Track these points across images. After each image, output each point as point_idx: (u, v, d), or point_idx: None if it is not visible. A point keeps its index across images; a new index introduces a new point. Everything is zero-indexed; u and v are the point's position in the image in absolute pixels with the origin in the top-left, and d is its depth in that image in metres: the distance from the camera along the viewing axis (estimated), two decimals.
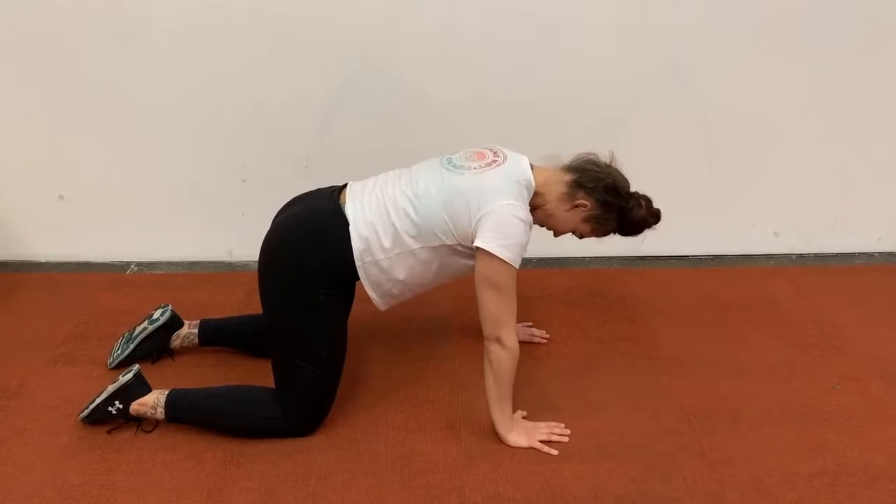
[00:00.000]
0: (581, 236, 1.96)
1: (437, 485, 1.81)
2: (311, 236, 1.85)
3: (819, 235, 2.88)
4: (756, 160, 2.73)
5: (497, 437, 1.92)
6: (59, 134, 2.61)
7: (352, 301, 1.97)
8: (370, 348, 2.29)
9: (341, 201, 1.88)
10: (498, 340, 1.80)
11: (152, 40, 2.46)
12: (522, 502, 1.76)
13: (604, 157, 1.92)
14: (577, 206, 1.87)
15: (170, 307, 2.24)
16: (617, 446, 1.92)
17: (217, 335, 2.25)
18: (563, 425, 1.97)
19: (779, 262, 2.85)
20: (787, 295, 2.61)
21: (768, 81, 2.59)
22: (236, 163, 2.68)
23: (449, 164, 1.86)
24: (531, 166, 1.87)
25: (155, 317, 2.21)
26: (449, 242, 1.82)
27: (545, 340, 2.34)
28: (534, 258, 2.77)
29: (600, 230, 1.92)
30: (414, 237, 1.82)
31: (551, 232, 1.97)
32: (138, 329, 2.21)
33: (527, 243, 1.80)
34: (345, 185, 1.94)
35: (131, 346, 2.19)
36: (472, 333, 2.27)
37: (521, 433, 1.92)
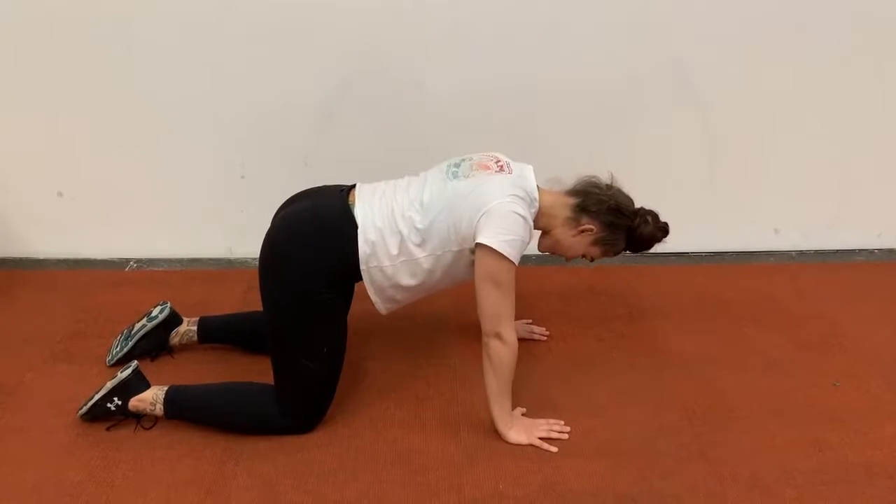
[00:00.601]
0: (592, 259, 1.98)
1: (436, 482, 1.80)
2: (319, 234, 1.85)
3: (819, 232, 2.88)
4: (756, 157, 2.72)
5: (497, 435, 1.92)
6: (58, 131, 2.61)
7: (351, 298, 1.97)
8: (369, 345, 2.29)
9: (350, 202, 1.88)
10: (498, 336, 1.80)
11: (152, 37, 2.45)
12: (522, 500, 1.76)
13: (604, 178, 1.94)
14: (583, 231, 1.89)
15: (168, 304, 2.23)
16: (617, 444, 1.92)
17: (216, 332, 2.25)
18: (562, 422, 1.97)
19: (779, 259, 2.85)
20: (788, 292, 2.61)
21: (768, 78, 2.58)
22: (235, 160, 2.67)
23: (454, 176, 1.87)
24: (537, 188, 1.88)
25: (154, 314, 2.21)
26: (453, 248, 1.82)
27: (545, 337, 2.34)
28: (533, 255, 2.75)
29: (610, 251, 1.95)
30: (420, 246, 1.82)
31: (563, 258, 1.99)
32: (137, 326, 2.20)
33: (527, 241, 1.81)
34: (353, 186, 1.94)
35: (130, 344, 2.18)
36: (471, 331, 2.27)
37: (521, 430, 1.92)
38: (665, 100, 2.61)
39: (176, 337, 2.23)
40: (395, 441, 1.93)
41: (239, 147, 2.65)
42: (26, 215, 2.76)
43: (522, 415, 1.99)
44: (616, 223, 1.88)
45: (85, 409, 1.95)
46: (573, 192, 1.92)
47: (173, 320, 2.23)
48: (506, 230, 1.75)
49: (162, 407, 1.93)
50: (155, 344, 2.21)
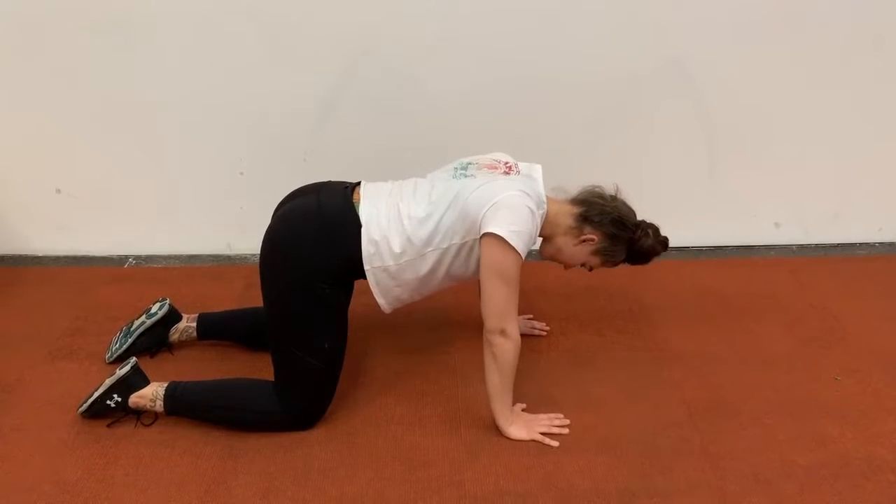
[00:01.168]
0: (591, 269, 2.00)
1: (437, 478, 1.80)
2: (322, 231, 1.84)
3: (820, 226, 2.87)
4: (757, 151, 2.72)
5: (497, 430, 1.92)
6: (57, 128, 2.60)
7: (351, 293, 1.97)
8: (370, 341, 2.28)
9: (355, 200, 1.87)
10: (502, 332, 1.79)
11: (150, 34, 2.45)
12: (523, 496, 1.75)
13: (609, 188, 1.95)
14: (585, 241, 1.90)
15: (168, 301, 2.23)
16: (617, 439, 1.92)
17: (215, 328, 2.25)
18: (562, 416, 1.97)
19: (780, 254, 2.84)
20: (789, 286, 2.60)
21: (769, 72, 2.58)
22: (234, 156, 2.66)
23: (462, 176, 1.87)
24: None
25: (153, 311, 2.21)
26: (458, 241, 1.82)
27: (545, 333, 2.33)
28: (534, 250, 2.75)
29: (610, 262, 1.97)
30: (426, 242, 1.82)
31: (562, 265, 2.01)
32: (136, 323, 2.20)
33: (535, 236, 1.82)
34: (357, 184, 1.93)
35: (129, 341, 2.18)
36: (472, 326, 2.26)
37: (522, 426, 1.92)
38: (666, 95, 2.60)
39: (175, 333, 2.23)
40: (395, 437, 1.93)
41: (238, 143, 2.64)
42: (25, 212, 2.76)
43: (523, 410, 1.99)
44: (617, 235, 1.90)
45: (85, 406, 1.95)
46: (577, 201, 1.93)
47: (172, 317, 2.23)
48: (514, 221, 1.75)
49: (162, 403, 1.93)
50: (154, 341, 2.21)
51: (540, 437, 1.90)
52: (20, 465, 1.84)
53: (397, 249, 1.82)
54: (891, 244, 2.90)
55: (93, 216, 2.76)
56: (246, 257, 2.79)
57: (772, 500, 1.74)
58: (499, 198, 1.76)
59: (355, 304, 1.98)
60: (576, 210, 1.91)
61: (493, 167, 1.89)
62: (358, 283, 1.93)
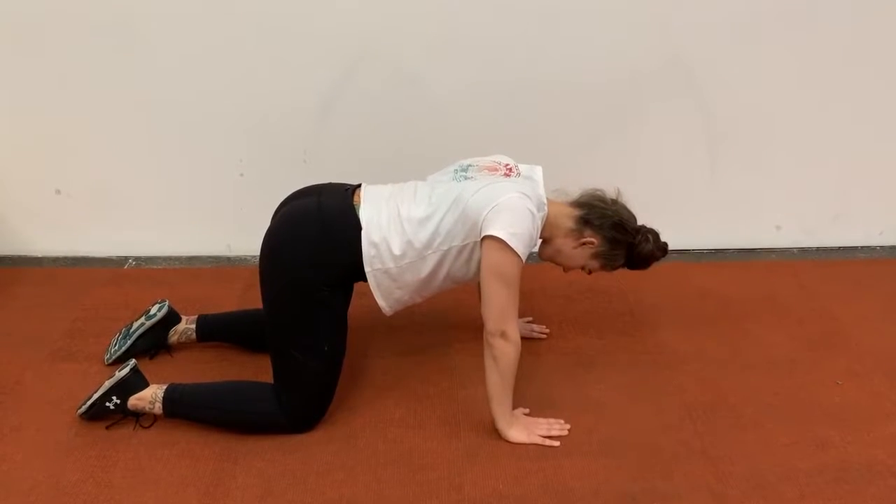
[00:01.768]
0: (590, 272, 2.00)
1: (436, 481, 1.80)
2: (321, 233, 1.84)
3: (821, 229, 2.86)
4: (758, 154, 2.71)
5: (497, 433, 1.91)
6: (56, 128, 2.60)
7: (351, 296, 1.96)
8: (369, 343, 2.28)
9: (355, 202, 1.87)
10: (503, 335, 1.79)
11: (151, 35, 2.45)
12: (522, 499, 1.75)
13: (610, 193, 1.95)
14: (584, 244, 1.90)
15: (167, 302, 2.22)
16: (618, 442, 1.91)
17: (215, 330, 2.24)
18: (562, 421, 1.96)
19: (781, 256, 2.84)
20: (790, 289, 2.60)
21: (771, 74, 2.57)
22: (234, 157, 2.66)
23: (463, 178, 1.87)
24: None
25: (152, 312, 2.20)
26: (458, 243, 1.81)
27: (545, 335, 2.33)
28: (534, 252, 2.75)
29: (609, 265, 1.96)
30: (426, 244, 1.82)
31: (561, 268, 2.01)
32: (135, 325, 2.20)
33: (535, 239, 1.82)
34: (358, 186, 1.93)
35: (128, 342, 2.18)
36: (471, 328, 2.26)
37: (521, 429, 1.91)
38: (667, 96, 2.59)
39: (174, 335, 2.23)
40: (394, 440, 1.92)
41: (237, 144, 2.64)
42: (24, 213, 2.75)
43: (525, 415, 1.98)
44: (617, 239, 1.90)
45: (84, 407, 1.94)
46: (578, 203, 1.93)
47: (172, 318, 2.22)
48: (514, 224, 1.75)
49: (161, 405, 1.93)
50: (153, 342, 2.20)
51: (540, 440, 1.90)
52: (19, 466, 1.84)
53: (398, 252, 1.82)
54: (892, 247, 2.90)
55: (92, 217, 2.76)
56: (245, 259, 2.78)
57: None
58: (499, 200, 1.76)
59: (355, 307, 1.98)
60: (576, 213, 1.91)
61: (493, 169, 1.89)
62: (358, 286, 1.93)
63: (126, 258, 2.80)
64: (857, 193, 2.80)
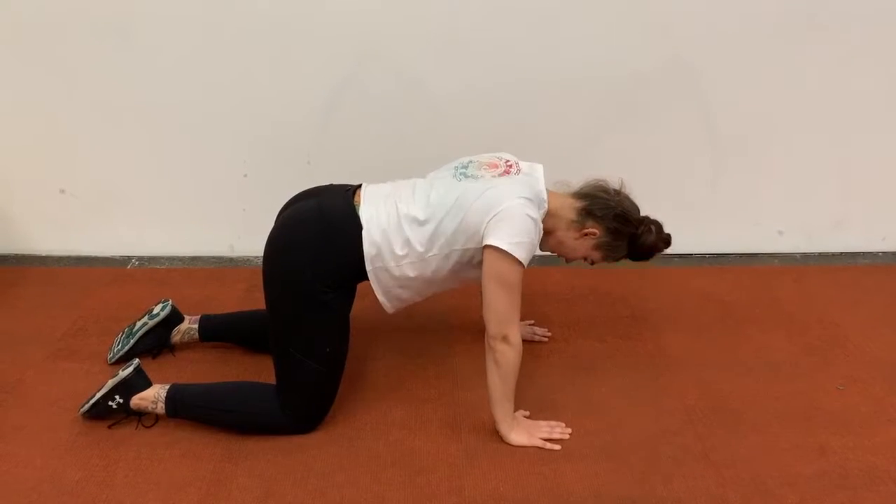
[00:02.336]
0: (592, 263, 1.99)
1: (436, 484, 1.80)
2: (323, 234, 1.84)
3: (823, 234, 2.86)
4: (760, 159, 2.71)
5: (497, 436, 1.91)
6: (61, 128, 2.61)
7: (353, 298, 1.97)
8: (371, 345, 2.28)
9: (356, 202, 1.87)
10: (504, 339, 1.79)
11: (154, 35, 2.45)
12: (522, 502, 1.75)
13: (613, 182, 1.93)
14: (587, 235, 1.89)
15: (170, 302, 2.23)
16: (618, 446, 1.91)
17: (217, 330, 2.25)
18: (563, 424, 1.96)
19: (783, 262, 2.84)
20: (791, 294, 2.60)
21: (773, 79, 2.57)
22: (238, 158, 2.67)
23: (463, 176, 1.87)
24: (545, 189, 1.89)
25: (155, 312, 2.21)
26: (459, 248, 1.82)
27: (546, 339, 2.33)
28: (536, 256, 2.74)
29: (611, 256, 1.95)
30: (426, 246, 1.82)
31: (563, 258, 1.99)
32: (139, 324, 2.20)
33: (536, 244, 1.82)
34: (359, 186, 1.93)
35: (132, 341, 2.18)
36: (473, 331, 2.26)
37: (522, 432, 1.91)
38: (668, 100, 2.60)
39: (177, 335, 2.23)
40: (395, 442, 1.92)
41: (241, 145, 2.64)
42: (28, 213, 2.76)
43: (526, 417, 1.98)
44: (620, 230, 1.89)
45: (86, 407, 1.95)
46: (580, 194, 1.92)
47: (175, 318, 2.23)
48: (516, 232, 1.75)
49: (163, 405, 1.93)
50: (156, 342, 2.21)
51: (541, 443, 1.90)
52: (21, 465, 1.84)
53: (399, 251, 1.82)
54: (894, 253, 2.89)
55: (96, 217, 2.76)
56: (248, 259, 2.79)
57: None
58: (501, 208, 1.76)
59: (356, 309, 1.98)
60: (578, 204, 1.90)
61: (493, 165, 1.88)
62: (360, 287, 1.93)
63: (129, 258, 2.81)
64: (860, 199, 2.80)
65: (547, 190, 1.88)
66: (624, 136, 2.64)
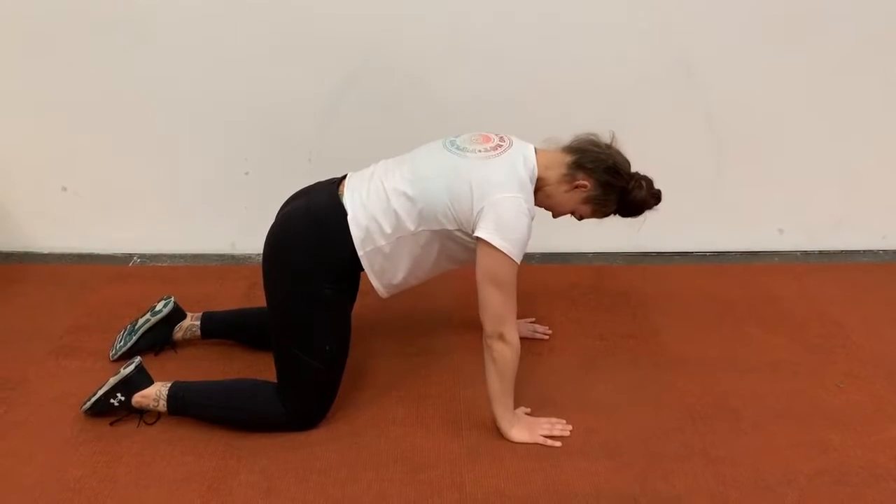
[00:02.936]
0: (580, 217, 1.94)
1: (437, 480, 1.80)
2: (310, 230, 1.85)
3: (824, 233, 2.87)
4: (761, 157, 2.72)
5: (498, 433, 1.92)
6: (63, 126, 2.61)
7: (355, 294, 1.97)
8: (372, 343, 2.28)
9: (340, 192, 1.87)
10: (500, 337, 1.80)
11: (156, 33, 2.46)
12: (524, 499, 1.76)
13: (604, 137, 1.90)
14: (577, 187, 1.85)
15: (172, 299, 2.23)
16: (619, 443, 1.92)
17: (219, 328, 2.25)
18: (564, 421, 1.96)
19: (783, 260, 2.84)
20: (792, 293, 2.60)
21: (774, 78, 2.58)
22: (239, 156, 2.67)
23: (452, 146, 1.85)
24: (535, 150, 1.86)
25: (157, 308, 2.21)
26: (450, 227, 1.80)
27: (547, 337, 2.33)
28: (537, 254, 2.76)
29: (600, 211, 1.90)
30: (415, 221, 1.80)
31: (550, 213, 1.95)
32: (141, 321, 2.21)
33: (528, 238, 1.79)
34: (345, 176, 1.94)
35: (134, 338, 2.19)
36: (473, 328, 2.26)
37: (523, 429, 1.92)
38: (671, 99, 2.60)
39: (179, 332, 2.24)
40: (396, 439, 1.93)
41: (243, 143, 2.65)
42: (30, 210, 2.77)
43: (525, 414, 1.99)
44: (611, 183, 1.84)
45: (88, 404, 1.95)
46: (570, 148, 1.88)
47: (177, 315, 2.23)
48: (509, 228, 1.74)
49: (165, 403, 1.93)
50: (158, 338, 2.21)
51: (542, 440, 1.90)
52: (23, 461, 1.85)
53: (388, 229, 1.81)
54: (894, 252, 2.90)
55: (98, 214, 2.77)
56: (250, 257, 2.79)
57: None
58: (495, 198, 1.74)
59: (358, 306, 1.99)
60: (569, 158, 1.85)
61: (486, 139, 1.86)
62: (360, 285, 1.93)
63: (131, 255, 2.82)
64: (861, 198, 2.80)
65: (537, 150, 1.86)
66: (627, 137, 2.62)
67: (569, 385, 2.12)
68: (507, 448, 1.89)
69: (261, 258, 1.92)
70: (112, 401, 1.94)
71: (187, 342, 2.26)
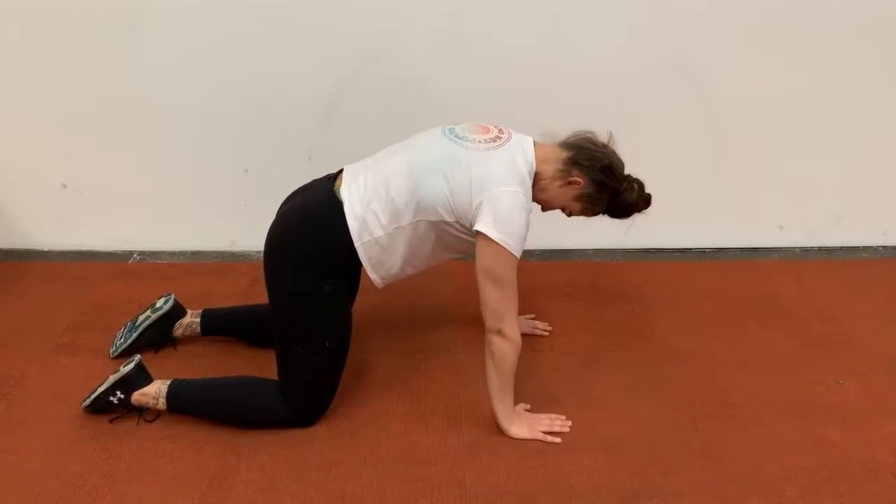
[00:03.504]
0: (570, 214, 1.94)
1: (438, 477, 1.81)
2: (308, 227, 1.85)
3: (824, 229, 2.87)
4: (761, 154, 2.72)
5: (498, 429, 1.92)
6: (62, 123, 2.61)
7: (356, 290, 1.97)
8: (372, 339, 2.29)
9: (336, 186, 1.87)
10: (500, 333, 1.80)
11: (156, 30, 2.45)
12: (524, 495, 1.76)
13: (602, 135, 1.90)
14: (570, 184, 1.85)
15: (173, 296, 2.24)
16: (619, 440, 1.92)
17: (219, 325, 2.25)
18: (564, 418, 1.97)
19: (783, 256, 2.84)
20: (791, 289, 2.60)
21: (774, 75, 2.58)
22: (239, 153, 2.67)
23: (452, 133, 1.84)
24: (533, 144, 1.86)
25: (158, 305, 2.21)
26: (448, 219, 1.80)
27: (547, 333, 2.33)
28: (537, 250, 2.76)
29: (590, 209, 1.90)
30: (413, 210, 1.79)
31: (539, 207, 1.94)
32: (141, 318, 2.21)
33: (527, 233, 1.79)
34: (341, 171, 1.93)
35: (134, 335, 2.19)
36: (474, 325, 2.27)
37: (523, 425, 1.92)
38: (670, 96, 2.60)
39: (179, 329, 2.24)
40: (396, 435, 1.93)
41: (242, 141, 2.65)
42: (30, 207, 2.77)
43: (525, 410, 1.99)
44: (604, 182, 1.84)
45: (88, 401, 1.96)
46: (567, 145, 1.88)
47: (177, 312, 2.23)
48: (508, 223, 1.74)
49: (164, 401, 1.93)
50: (158, 335, 2.21)
51: (542, 436, 1.90)
52: (24, 458, 1.85)
53: (384, 219, 1.80)
54: (894, 248, 2.90)
55: (98, 212, 2.77)
56: (250, 254, 2.79)
57: (772, 503, 1.74)
58: (494, 192, 1.74)
59: (357, 302, 1.99)
60: (565, 154, 1.85)
61: (485, 129, 1.86)
62: (361, 282, 1.93)
63: (131, 252, 2.82)
64: (860, 194, 2.80)
65: (534, 141, 1.86)
66: (626, 133, 2.62)
67: (569, 381, 2.12)
68: (507, 444, 1.89)
69: (261, 255, 1.92)
70: (111, 398, 1.94)
71: (187, 339, 2.26)
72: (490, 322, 1.80)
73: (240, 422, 1.94)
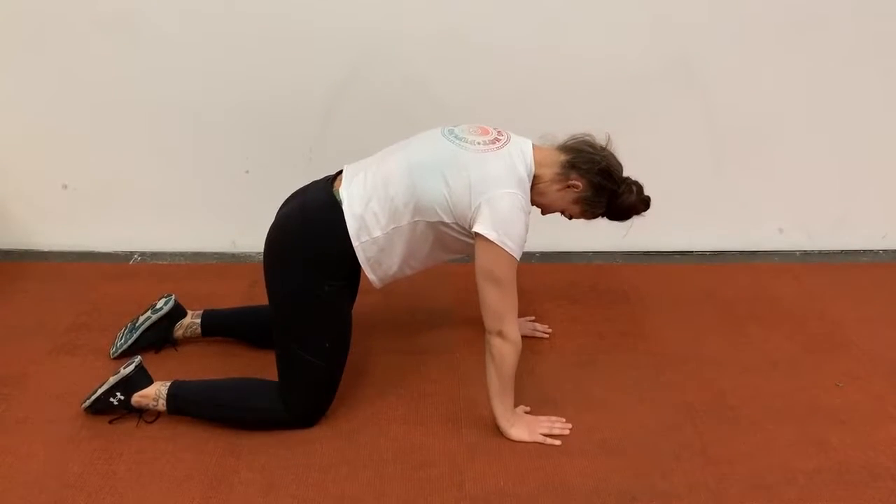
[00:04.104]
0: (570, 217, 1.94)
1: (437, 478, 1.81)
2: (307, 228, 1.85)
3: (824, 232, 2.87)
4: (761, 156, 2.72)
5: (498, 431, 1.92)
6: (63, 123, 2.61)
7: (356, 291, 1.97)
8: (372, 341, 2.29)
9: (335, 187, 1.87)
10: (500, 334, 1.80)
11: (156, 30, 2.46)
12: (523, 497, 1.76)
13: (600, 138, 1.90)
14: (569, 187, 1.85)
15: (173, 297, 2.24)
16: (618, 442, 1.92)
17: (219, 326, 2.26)
18: (563, 420, 1.97)
19: (783, 259, 2.84)
20: (791, 292, 2.60)
21: (774, 76, 2.58)
22: (240, 154, 2.67)
23: (451, 134, 1.84)
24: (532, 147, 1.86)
25: (158, 306, 2.22)
26: (446, 220, 1.80)
27: (547, 335, 2.34)
28: (537, 252, 2.77)
29: (589, 212, 1.90)
30: (411, 210, 1.79)
31: (539, 210, 1.94)
32: (142, 318, 2.21)
33: (526, 234, 1.79)
34: (340, 172, 1.94)
35: (135, 336, 2.19)
36: (473, 327, 2.27)
37: (523, 427, 1.92)
38: (670, 98, 2.60)
39: (180, 329, 2.24)
40: (396, 437, 1.93)
41: (243, 141, 2.65)
42: (31, 207, 2.77)
43: (525, 412, 1.99)
44: (603, 185, 1.84)
45: (88, 402, 1.96)
46: (566, 148, 1.88)
47: (178, 313, 2.24)
48: (507, 224, 1.74)
49: (164, 402, 1.94)
50: (159, 336, 2.22)
51: (541, 439, 1.91)
52: (24, 458, 1.85)
53: (383, 219, 1.80)
54: (894, 251, 2.90)
55: (99, 212, 2.77)
56: (250, 255, 2.79)
57: None
58: (494, 194, 1.74)
59: (357, 304, 1.99)
60: (563, 157, 1.85)
61: (484, 131, 1.86)
62: (361, 284, 1.94)
63: (132, 253, 2.82)
64: (861, 197, 2.80)
65: (533, 146, 1.86)
66: (626, 135, 2.62)
67: (568, 383, 2.13)
68: (506, 446, 1.90)
69: (261, 256, 1.92)
70: (111, 399, 1.94)
71: (188, 340, 2.26)
72: (490, 324, 1.80)
73: (240, 423, 1.95)
